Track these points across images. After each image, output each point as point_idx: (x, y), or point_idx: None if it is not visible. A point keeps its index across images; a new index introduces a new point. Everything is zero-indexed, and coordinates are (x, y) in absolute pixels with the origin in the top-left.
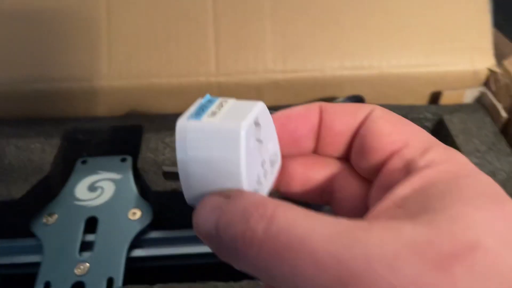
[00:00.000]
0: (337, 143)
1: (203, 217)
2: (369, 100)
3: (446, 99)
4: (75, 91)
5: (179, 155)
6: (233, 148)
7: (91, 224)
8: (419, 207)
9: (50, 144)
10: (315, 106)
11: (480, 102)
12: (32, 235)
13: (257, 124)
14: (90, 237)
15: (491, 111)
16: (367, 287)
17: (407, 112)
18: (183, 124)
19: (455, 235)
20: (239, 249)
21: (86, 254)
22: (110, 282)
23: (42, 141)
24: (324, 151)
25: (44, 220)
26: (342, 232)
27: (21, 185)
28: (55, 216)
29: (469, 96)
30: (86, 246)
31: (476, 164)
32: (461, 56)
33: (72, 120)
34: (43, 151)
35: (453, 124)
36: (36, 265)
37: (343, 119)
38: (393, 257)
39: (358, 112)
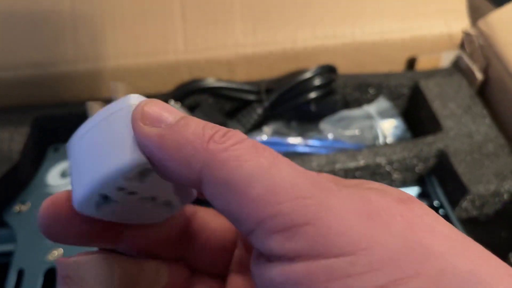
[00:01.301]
0: None
1: (141, 124)
2: (344, 70)
3: (423, 64)
4: (40, 76)
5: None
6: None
7: None
8: None
9: (19, 133)
10: None
11: (457, 65)
12: (3, 224)
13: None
14: None
15: (467, 74)
16: None
17: (383, 80)
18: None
19: (397, 263)
20: (181, 171)
21: None
22: None
23: (11, 129)
24: None
25: (17, 209)
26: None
27: None
28: (28, 204)
29: (445, 60)
30: None
31: (451, 128)
32: (435, 19)
33: (40, 107)
34: (12, 140)
35: (429, 89)
36: (9, 254)
37: None
38: None
39: None
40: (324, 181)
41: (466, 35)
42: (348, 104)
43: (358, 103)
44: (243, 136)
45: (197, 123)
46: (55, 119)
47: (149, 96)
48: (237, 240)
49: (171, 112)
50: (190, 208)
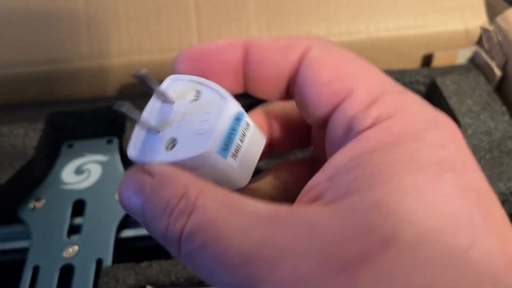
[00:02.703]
0: (270, 88)
1: (126, 196)
2: None
3: (439, 61)
4: (55, 73)
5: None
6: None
7: (79, 207)
8: (346, 186)
9: (33, 129)
10: (238, 42)
11: (474, 62)
12: (18, 221)
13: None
14: (78, 220)
15: (485, 71)
16: None
17: (398, 76)
18: (209, 155)
19: (369, 230)
20: (163, 242)
21: (75, 237)
22: (99, 263)
23: (25, 126)
24: (261, 95)
25: (31, 205)
26: (257, 226)
27: (6, 171)
28: (42, 201)
29: (462, 56)
30: (74, 229)
31: (470, 125)
32: (452, 15)
33: (55, 104)
34: (26, 136)
35: (446, 86)
36: (24, 251)
37: (271, 61)
38: (300, 262)
39: (289, 51)
40: None
41: (485, 31)
42: None
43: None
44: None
45: (161, 198)
46: (69, 116)
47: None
48: None
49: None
50: None
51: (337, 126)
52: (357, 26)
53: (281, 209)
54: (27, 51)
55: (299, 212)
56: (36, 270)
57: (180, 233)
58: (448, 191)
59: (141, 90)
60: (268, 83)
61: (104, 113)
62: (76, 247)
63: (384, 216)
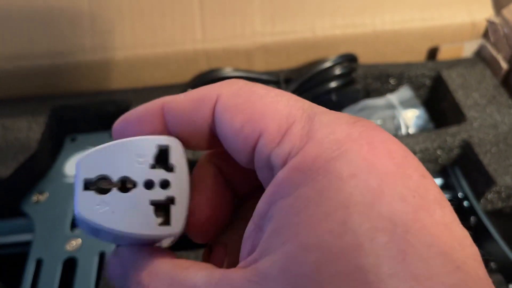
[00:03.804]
0: (199, 142)
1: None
2: (364, 59)
3: (445, 54)
4: (59, 67)
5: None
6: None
7: None
8: (265, 243)
9: (37, 122)
10: (155, 106)
11: (480, 55)
12: (22, 214)
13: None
14: None
15: (491, 64)
16: None
17: (404, 70)
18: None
19: None
20: None
21: (78, 230)
22: (102, 256)
23: (29, 119)
24: (195, 148)
25: (35, 199)
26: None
27: (9, 164)
28: (46, 194)
29: (468, 49)
30: None
31: (476, 118)
32: (458, 8)
33: (58, 97)
34: (30, 129)
35: (452, 79)
36: (28, 244)
37: (186, 118)
38: None
39: (201, 105)
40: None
41: (491, 23)
42: (369, 94)
43: (379, 93)
44: None
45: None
46: (72, 109)
47: (166, 86)
48: None
49: None
50: None
51: (260, 167)
52: (362, 19)
53: (214, 277)
54: (31, 44)
55: (227, 280)
56: (39, 263)
57: None
58: (352, 242)
59: (143, 83)
60: (194, 137)
61: (107, 107)
62: (79, 240)
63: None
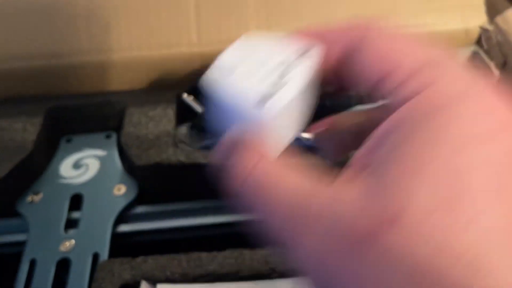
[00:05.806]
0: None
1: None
2: None
3: None
4: (55, 67)
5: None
6: None
7: (77, 202)
8: (379, 159)
9: (32, 123)
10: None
11: (472, 62)
12: (16, 214)
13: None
14: (75, 214)
15: (483, 71)
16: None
17: None
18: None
19: (381, 207)
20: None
21: (72, 231)
22: (95, 257)
23: (24, 120)
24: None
25: (29, 199)
26: (298, 196)
27: (4, 165)
28: (40, 195)
29: (461, 56)
30: (71, 223)
31: None
32: (451, 15)
33: (53, 98)
34: (25, 130)
35: None
36: (22, 244)
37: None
38: (322, 238)
39: (353, 31)
40: None
41: (484, 31)
42: (362, 100)
43: (372, 100)
44: None
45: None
46: (68, 110)
47: (162, 87)
48: None
49: None
50: None
51: (383, 96)
52: None
53: (317, 185)
54: (27, 45)
55: (333, 188)
56: (33, 263)
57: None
58: (470, 161)
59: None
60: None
61: (103, 108)
62: (73, 241)
63: (398, 191)
